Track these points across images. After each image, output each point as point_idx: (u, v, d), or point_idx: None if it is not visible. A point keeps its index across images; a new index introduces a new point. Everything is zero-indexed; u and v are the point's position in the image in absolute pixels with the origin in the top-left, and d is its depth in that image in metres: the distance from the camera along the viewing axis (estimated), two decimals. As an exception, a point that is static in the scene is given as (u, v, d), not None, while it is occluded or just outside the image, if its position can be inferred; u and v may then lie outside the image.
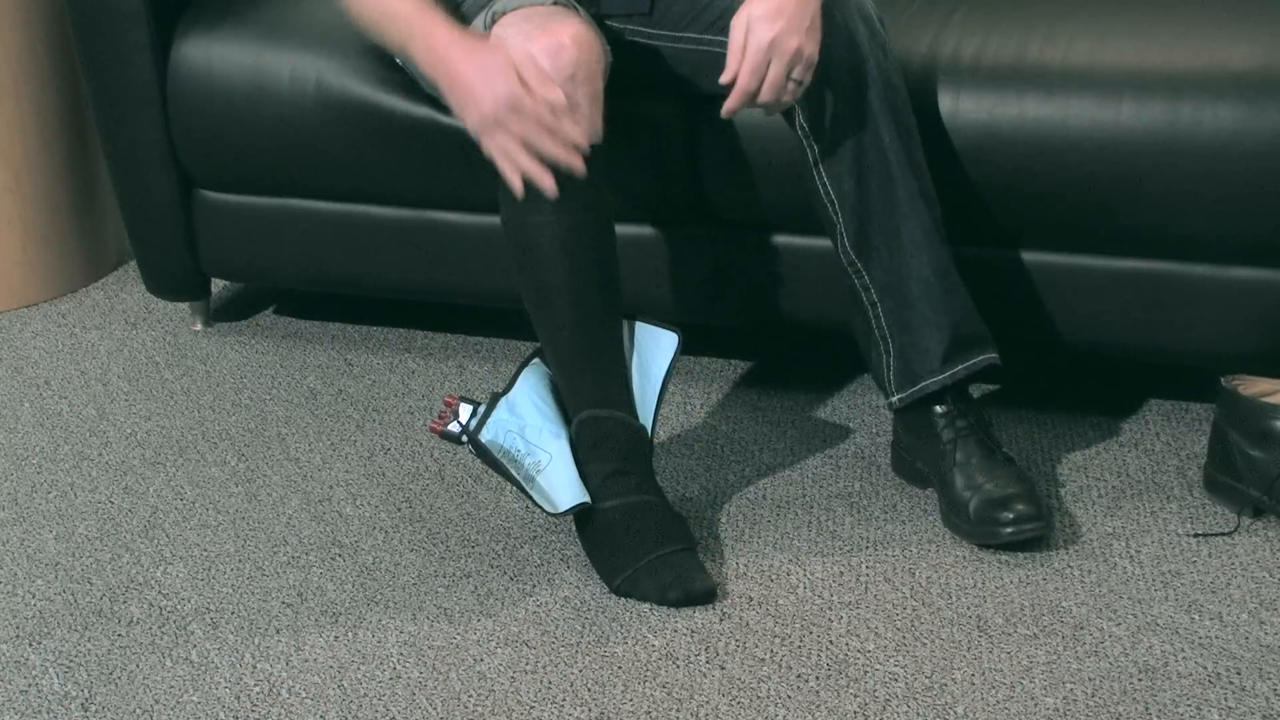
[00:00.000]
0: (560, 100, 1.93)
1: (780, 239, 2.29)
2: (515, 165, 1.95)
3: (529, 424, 2.05)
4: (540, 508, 1.98)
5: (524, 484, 1.99)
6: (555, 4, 2.05)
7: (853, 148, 2.06)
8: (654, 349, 2.09)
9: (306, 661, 1.90)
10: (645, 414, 2.06)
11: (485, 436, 2.04)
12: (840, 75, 2.04)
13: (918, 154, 2.09)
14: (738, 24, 1.98)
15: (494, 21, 2.04)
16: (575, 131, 1.94)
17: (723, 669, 1.86)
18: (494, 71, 1.94)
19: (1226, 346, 2.19)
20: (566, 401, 2.06)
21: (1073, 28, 2.22)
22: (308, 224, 2.53)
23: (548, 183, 1.95)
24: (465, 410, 2.07)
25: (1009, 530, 2.02)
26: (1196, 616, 1.90)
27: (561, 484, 2.00)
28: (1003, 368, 2.15)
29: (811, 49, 1.98)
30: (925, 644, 1.88)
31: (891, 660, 1.86)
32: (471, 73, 1.95)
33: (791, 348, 2.34)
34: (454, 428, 2.06)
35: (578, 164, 1.95)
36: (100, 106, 2.58)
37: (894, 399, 2.13)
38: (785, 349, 2.22)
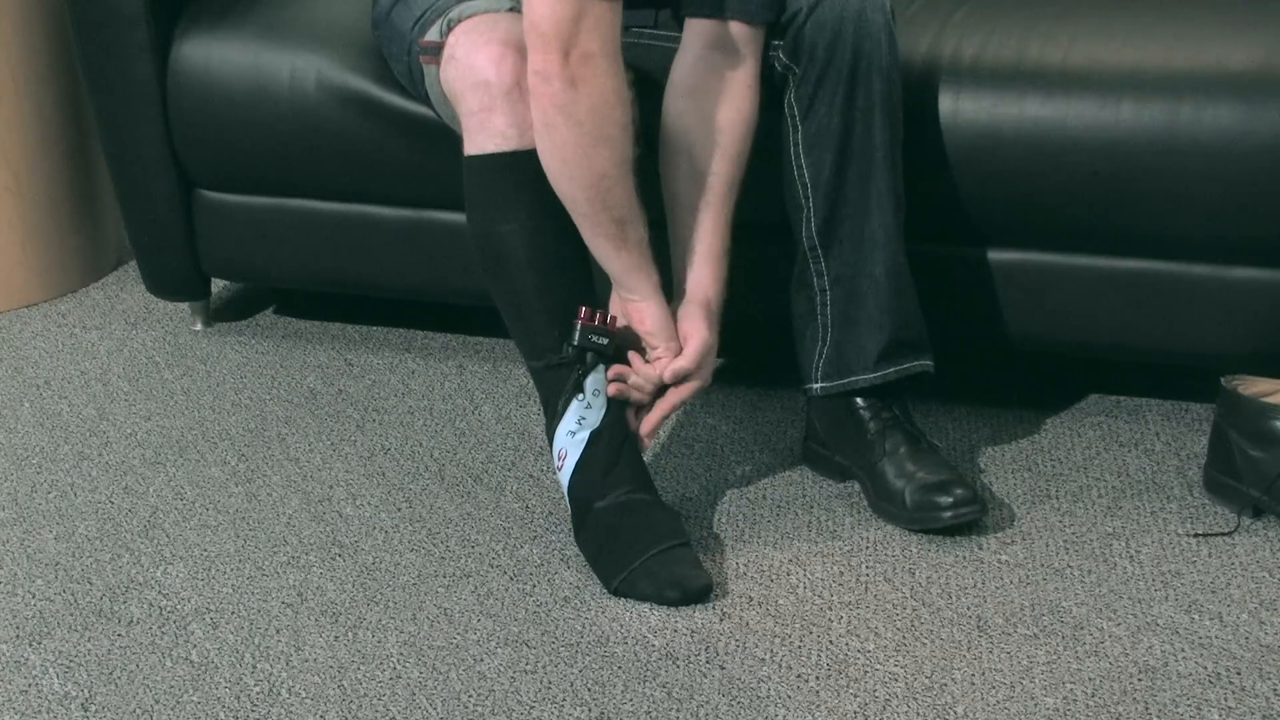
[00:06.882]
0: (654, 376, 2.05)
1: (780, 239, 2.29)
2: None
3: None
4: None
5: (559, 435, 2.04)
6: (512, 10, 2.03)
7: (840, 134, 2.06)
8: None
9: (306, 661, 1.90)
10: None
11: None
12: (844, 57, 2.03)
13: (899, 153, 2.08)
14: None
15: (450, 29, 2.02)
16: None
17: (723, 669, 1.86)
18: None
19: (1226, 346, 2.19)
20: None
21: (1073, 28, 2.22)
22: (308, 224, 2.53)
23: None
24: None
25: (948, 514, 2.03)
26: (1196, 616, 1.90)
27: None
28: (934, 375, 2.16)
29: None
30: (925, 644, 1.88)
31: (891, 660, 1.86)
32: None
33: (791, 348, 2.33)
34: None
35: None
36: (100, 106, 2.58)
37: (816, 386, 2.14)
38: (785, 349, 2.22)
